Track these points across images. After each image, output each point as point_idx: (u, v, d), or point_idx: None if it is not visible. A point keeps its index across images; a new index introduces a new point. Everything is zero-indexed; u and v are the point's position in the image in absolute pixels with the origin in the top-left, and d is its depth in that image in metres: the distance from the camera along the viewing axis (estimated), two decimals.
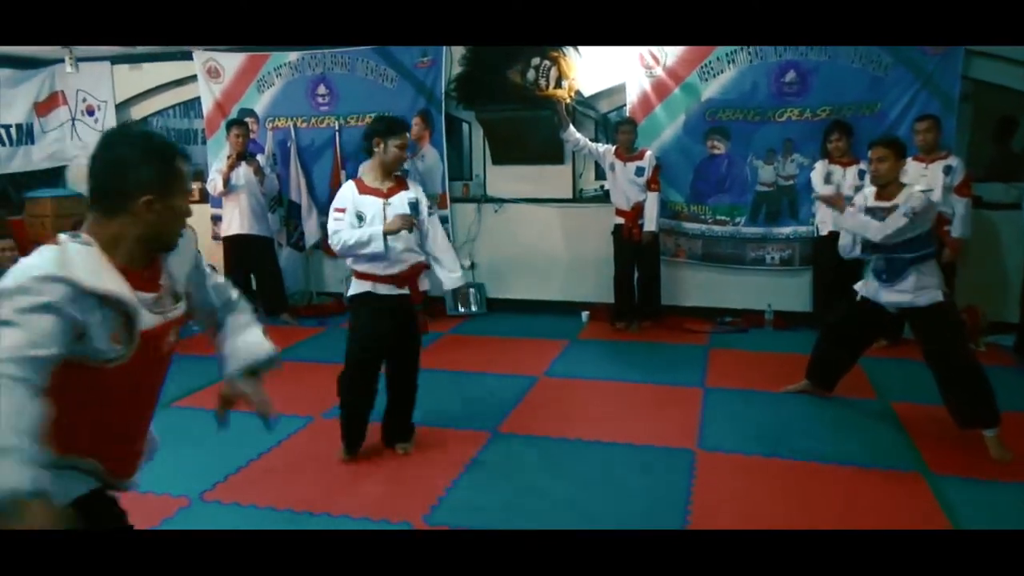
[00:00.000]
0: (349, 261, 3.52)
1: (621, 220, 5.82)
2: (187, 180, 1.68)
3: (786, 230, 5.94)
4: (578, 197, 6.50)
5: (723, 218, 6.09)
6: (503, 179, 6.54)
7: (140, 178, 1.53)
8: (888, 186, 3.70)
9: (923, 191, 3.70)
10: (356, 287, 3.50)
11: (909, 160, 5.09)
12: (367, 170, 3.58)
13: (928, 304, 3.68)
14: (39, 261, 1.43)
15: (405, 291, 3.50)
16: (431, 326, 6.06)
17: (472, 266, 6.66)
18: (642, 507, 3.12)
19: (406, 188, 3.56)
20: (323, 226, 6.88)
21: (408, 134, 3.56)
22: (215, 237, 6.97)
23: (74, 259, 1.45)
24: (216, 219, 6.92)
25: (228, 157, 6.18)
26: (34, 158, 7.67)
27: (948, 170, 5.02)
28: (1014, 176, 5.48)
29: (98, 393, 1.56)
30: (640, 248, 5.78)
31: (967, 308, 5.37)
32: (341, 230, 3.39)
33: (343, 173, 6.76)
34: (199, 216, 7.06)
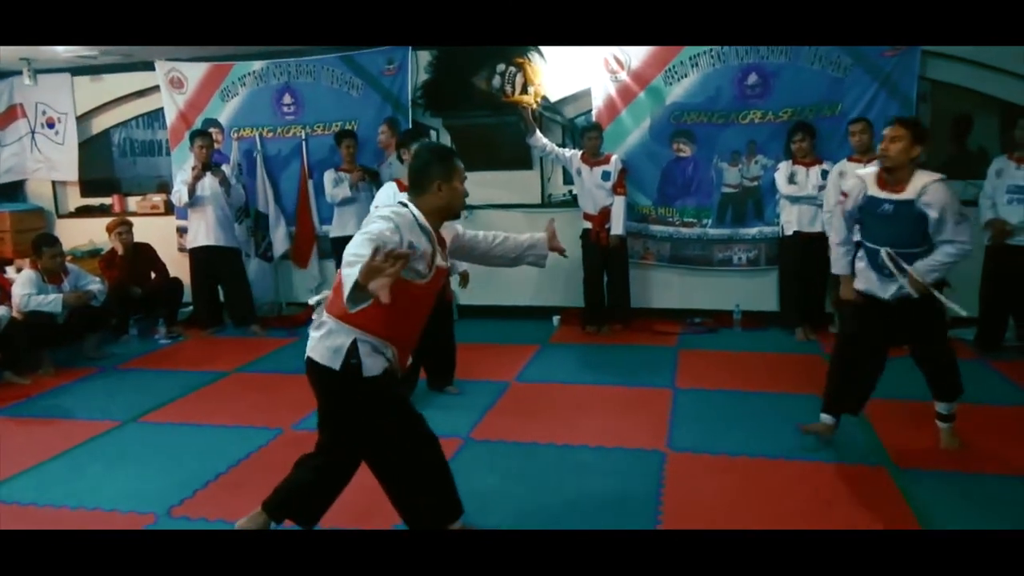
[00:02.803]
0: None
1: (589, 224, 5.85)
2: (462, 171, 2.61)
3: (752, 231, 6.01)
4: (547, 202, 6.52)
5: (690, 220, 6.15)
6: (472, 185, 6.35)
7: (434, 171, 2.52)
8: (896, 172, 3.29)
9: (938, 180, 3.27)
10: None
11: (845, 161, 5.25)
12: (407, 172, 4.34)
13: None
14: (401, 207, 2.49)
15: None
16: None
17: None
18: (614, 508, 3.13)
19: None
20: (291, 236, 6.85)
21: (427, 139, 4.26)
22: (181, 249, 6.89)
23: (415, 211, 2.50)
24: (182, 231, 6.84)
25: (193, 168, 6.11)
26: None
27: None
28: (971, 174, 5.60)
29: (407, 301, 2.40)
30: (608, 252, 5.82)
31: None
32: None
33: (310, 182, 6.73)
34: (165, 228, 7.05)
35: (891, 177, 3.31)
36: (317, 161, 6.71)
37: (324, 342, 2.50)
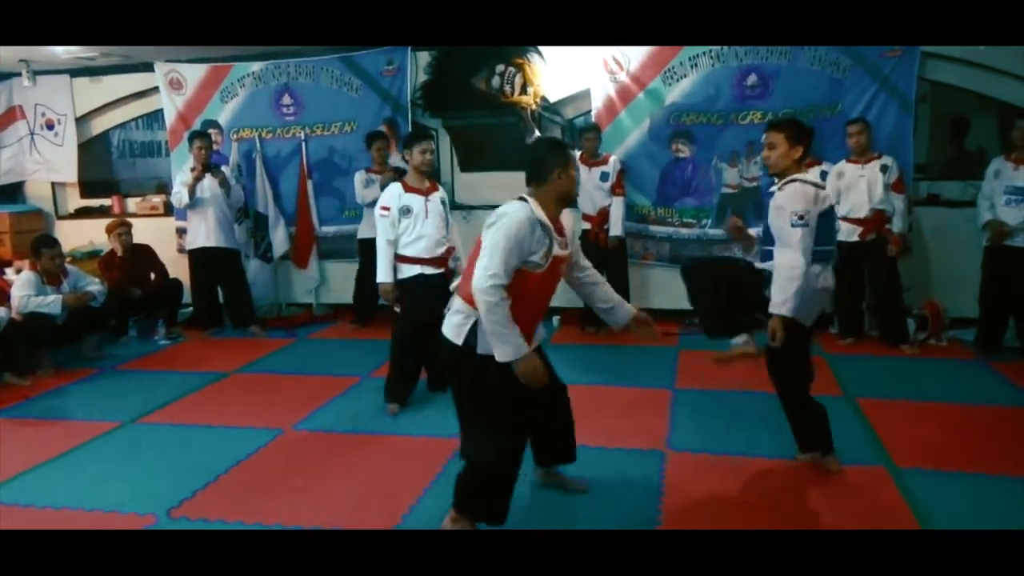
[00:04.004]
0: (398, 248, 4.30)
1: (587, 225, 5.85)
2: (575, 159, 2.85)
3: (752, 231, 5.99)
4: None
5: (690, 220, 6.15)
6: (471, 186, 6.55)
7: (552, 161, 2.70)
8: (782, 176, 3.19)
9: (802, 180, 3.10)
10: (407, 271, 4.28)
11: (843, 162, 5.26)
12: (409, 173, 4.38)
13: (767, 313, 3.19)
14: (519, 208, 2.64)
15: (442, 270, 4.33)
16: None
17: None
18: (614, 508, 3.13)
19: (437, 190, 4.41)
20: (291, 237, 6.85)
21: (432, 141, 4.33)
22: (180, 250, 6.89)
23: (535, 205, 2.66)
24: (181, 232, 6.84)
25: (193, 169, 6.11)
26: None
27: (885, 169, 5.18)
28: (970, 174, 5.61)
29: (528, 289, 2.66)
30: (607, 252, 5.82)
31: (928, 303, 5.50)
32: (385, 229, 4.26)
33: (310, 183, 6.73)
34: (164, 229, 7.05)
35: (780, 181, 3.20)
36: (316, 162, 6.72)
37: (452, 319, 2.79)
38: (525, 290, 2.66)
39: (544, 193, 2.72)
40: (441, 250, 4.33)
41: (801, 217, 3.03)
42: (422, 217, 4.27)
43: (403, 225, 4.28)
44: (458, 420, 2.92)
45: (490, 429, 2.75)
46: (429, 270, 4.27)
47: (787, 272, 3.04)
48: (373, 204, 6.00)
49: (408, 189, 4.30)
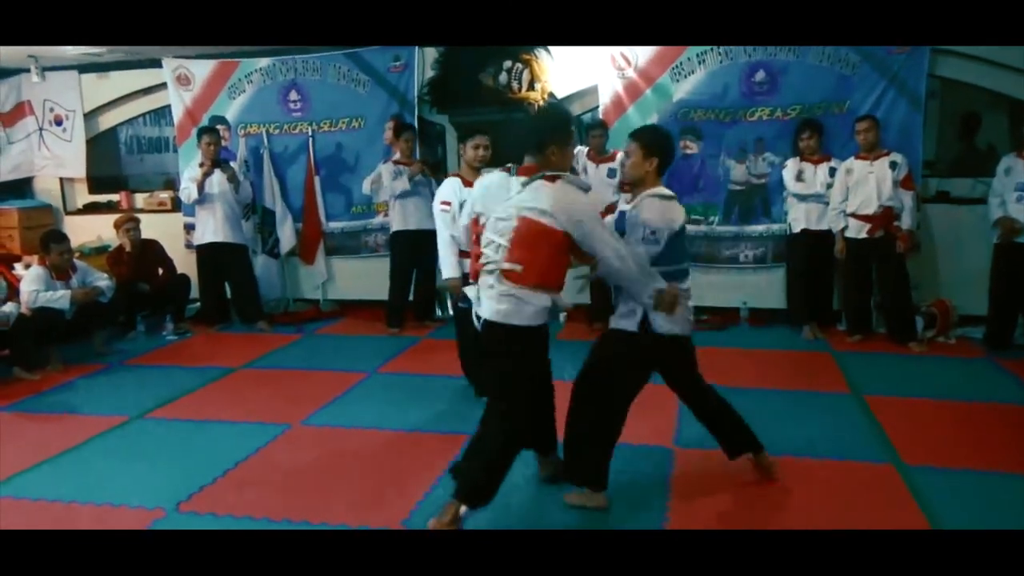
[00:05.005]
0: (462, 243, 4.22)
1: None
2: (575, 136, 2.96)
3: (759, 228, 5.99)
4: None
5: (697, 217, 6.12)
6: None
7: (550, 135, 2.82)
8: (638, 187, 3.06)
9: (653, 195, 2.98)
10: (468, 266, 4.20)
11: (852, 159, 5.25)
12: (463, 168, 4.39)
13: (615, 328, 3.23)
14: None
15: None
16: (411, 331, 6.09)
17: None
18: (622, 505, 3.14)
19: None
20: (298, 232, 6.85)
21: (485, 136, 4.34)
22: (188, 245, 6.91)
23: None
24: (189, 227, 6.86)
25: (201, 165, 6.12)
26: (0, 170, 7.53)
27: (894, 165, 5.16)
28: (980, 171, 5.58)
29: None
30: None
31: (937, 301, 5.47)
32: (447, 224, 4.18)
33: (317, 179, 6.73)
34: (172, 224, 7.06)
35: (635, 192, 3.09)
36: (323, 158, 6.72)
37: (500, 304, 2.89)
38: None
39: (546, 166, 2.84)
40: None
41: (653, 233, 2.93)
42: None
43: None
44: (491, 392, 3.08)
45: (523, 401, 2.96)
46: None
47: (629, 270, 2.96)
48: (403, 196, 5.97)
49: (466, 183, 4.24)
